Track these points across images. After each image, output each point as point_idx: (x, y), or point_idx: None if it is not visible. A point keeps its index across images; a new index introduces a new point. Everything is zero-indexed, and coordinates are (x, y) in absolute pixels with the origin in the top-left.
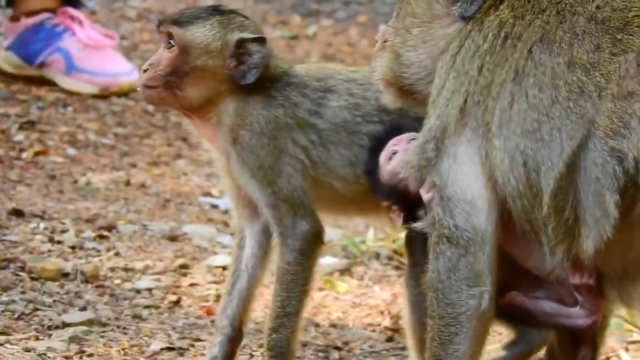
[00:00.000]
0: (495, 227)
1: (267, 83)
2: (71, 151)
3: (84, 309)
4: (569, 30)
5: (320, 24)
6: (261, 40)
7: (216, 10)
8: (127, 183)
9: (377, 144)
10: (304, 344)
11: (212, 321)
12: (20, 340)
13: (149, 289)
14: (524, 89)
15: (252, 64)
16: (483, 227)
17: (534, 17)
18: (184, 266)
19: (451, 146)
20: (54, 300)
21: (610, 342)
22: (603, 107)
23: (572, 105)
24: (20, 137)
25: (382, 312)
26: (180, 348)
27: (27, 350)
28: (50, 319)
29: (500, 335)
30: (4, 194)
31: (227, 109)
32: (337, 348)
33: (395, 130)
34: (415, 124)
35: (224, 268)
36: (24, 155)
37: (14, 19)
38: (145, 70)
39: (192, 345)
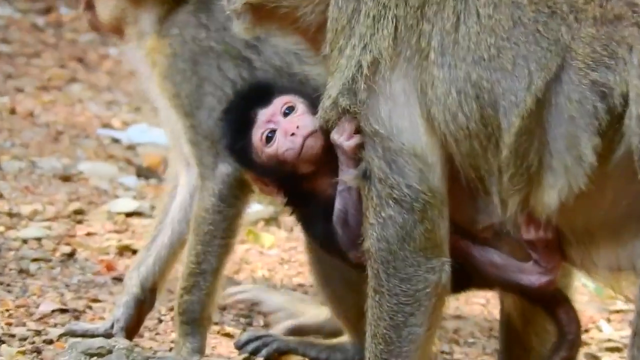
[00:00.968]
0: (446, 183)
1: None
2: None
3: None
4: None
5: None
6: None
7: None
8: (12, 111)
9: (238, 115)
10: (223, 307)
11: (114, 278)
12: None
13: (38, 239)
14: (473, 7)
15: None
16: (439, 185)
17: None
18: (79, 212)
19: (386, 83)
20: None
21: (589, 310)
22: (582, 33)
23: (542, 28)
24: None
25: None
26: (75, 310)
27: None
28: None
29: None
30: None
31: (144, 25)
32: (262, 313)
33: (257, 93)
34: (287, 79)
35: (128, 215)
36: None
37: None
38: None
39: (89, 307)
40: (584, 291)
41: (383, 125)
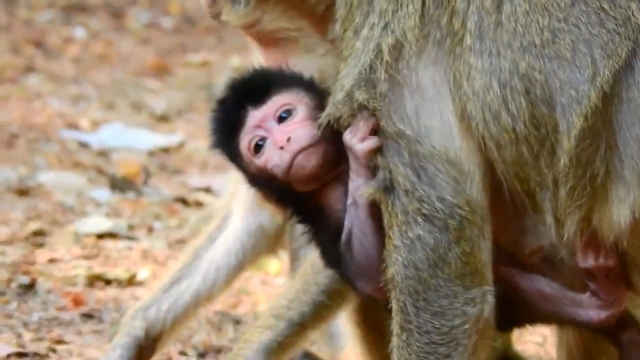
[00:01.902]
0: (487, 196)
1: None
2: None
3: None
4: None
5: None
6: None
7: None
8: None
9: (225, 113)
10: (218, 349)
11: (83, 315)
12: None
13: None
14: None
15: None
16: (478, 198)
17: None
18: (39, 233)
19: (411, 72)
20: None
21: None
22: None
23: (607, 6)
24: None
25: None
26: (36, 354)
27: None
28: None
29: None
30: None
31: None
32: None
33: (249, 92)
34: (289, 75)
35: (99, 236)
36: None
37: None
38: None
39: (53, 350)
40: None
41: (409, 124)
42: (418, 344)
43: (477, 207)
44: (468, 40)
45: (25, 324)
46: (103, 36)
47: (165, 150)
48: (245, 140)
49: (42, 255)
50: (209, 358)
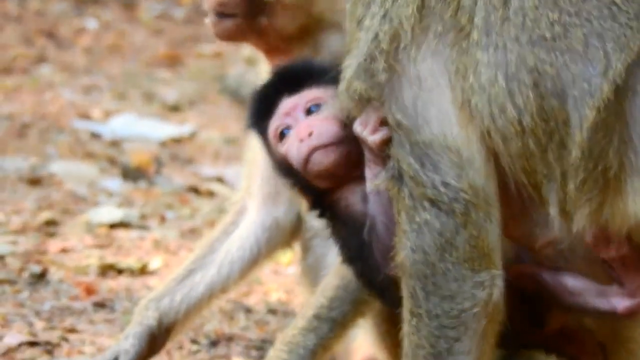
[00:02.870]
0: (493, 181)
1: None
2: None
3: None
4: None
5: None
6: None
7: None
8: None
9: (263, 97)
10: (229, 338)
11: (95, 304)
12: None
13: (1, 256)
14: None
15: None
16: (482, 182)
17: None
18: (51, 222)
19: (410, 62)
20: None
21: None
22: None
23: (620, 0)
24: None
25: None
26: (47, 342)
27: None
28: None
29: None
30: None
31: (328, 42)
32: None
33: (287, 79)
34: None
35: (111, 226)
36: None
37: None
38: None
39: (65, 339)
40: None
41: (406, 114)
42: (428, 329)
43: (480, 191)
44: (475, 35)
45: (37, 313)
46: (115, 27)
47: (177, 140)
48: (273, 126)
49: (54, 245)
50: (221, 346)
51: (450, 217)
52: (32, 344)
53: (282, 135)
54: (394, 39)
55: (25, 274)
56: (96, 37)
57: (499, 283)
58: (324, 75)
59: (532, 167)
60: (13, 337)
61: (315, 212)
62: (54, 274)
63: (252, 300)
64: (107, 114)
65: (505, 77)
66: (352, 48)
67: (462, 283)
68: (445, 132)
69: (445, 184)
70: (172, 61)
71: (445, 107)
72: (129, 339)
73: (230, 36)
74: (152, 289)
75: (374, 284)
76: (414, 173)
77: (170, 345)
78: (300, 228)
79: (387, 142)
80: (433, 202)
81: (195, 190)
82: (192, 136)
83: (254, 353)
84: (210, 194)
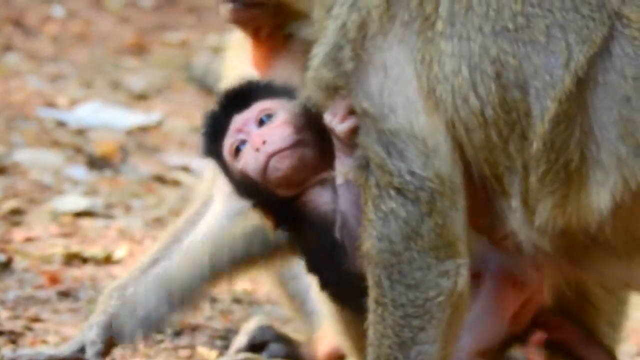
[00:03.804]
0: (459, 170)
1: None
2: None
3: None
4: None
5: None
6: None
7: None
8: None
9: (214, 119)
10: (194, 327)
11: (60, 293)
12: None
13: None
14: None
15: None
16: (448, 171)
17: None
18: (16, 211)
19: (376, 51)
20: None
21: None
22: None
23: None
24: None
25: None
26: (12, 332)
27: None
28: None
29: None
30: None
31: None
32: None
33: (240, 97)
34: (277, 86)
35: (76, 215)
36: None
37: None
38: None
39: (29, 328)
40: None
41: (373, 102)
42: (393, 318)
43: (446, 180)
44: (440, 25)
45: (2, 302)
46: (82, 15)
47: (144, 128)
48: (228, 144)
49: (19, 234)
50: (185, 336)
51: (416, 206)
52: None
53: (237, 151)
54: (362, 27)
55: None
56: (63, 25)
57: (464, 272)
58: (270, 89)
59: (495, 158)
60: None
61: (280, 229)
62: (19, 262)
63: (216, 290)
64: (73, 102)
65: (469, 68)
66: (321, 36)
67: (427, 272)
68: (411, 120)
69: (412, 173)
70: (139, 49)
71: (411, 96)
72: (93, 329)
73: (248, 23)
74: (116, 278)
75: (340, 292)
76: (381, 161)
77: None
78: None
79: (355, 131)
80: (399, 191)
81: (160, 179)
82: (158, 125)
83: (218, 343)
84: (176, 183)
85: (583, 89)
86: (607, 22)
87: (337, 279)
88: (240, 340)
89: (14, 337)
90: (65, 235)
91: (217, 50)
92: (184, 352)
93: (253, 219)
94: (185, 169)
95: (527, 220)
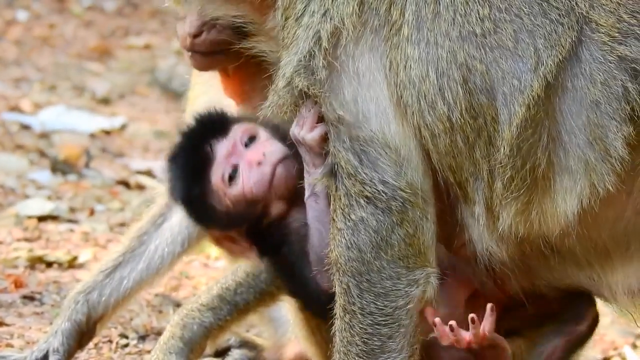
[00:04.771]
0: (429, 179)
1: None
2: None
3: None
4: None
5: None
6: None
7: None
8: None
9: (190, 155)
10: (158, 332)
11: (24, 297)
12: None
13: None
14: None
15: None
16: (420, 181)
17: None
18: None
19: (349, 59)
20: None
21: (611, 334)
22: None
23: None
24: None
25: None
26: None
27: None
28: None
29: None
30: None
31: None
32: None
33: (210, 124)
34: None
35: (40, 219)
36: None
37: None
38: (195, 35)
39: None
40: (605, 311)
41: (348, 109)
42: (361, 325)
43: (418, 189)
44: (406, 30)
45: None
46: (45, 19)
47: (107, 133)
48: (218, 173)
49: None
50: (150, 340)
51: (387, 215)
52: None
53: (231, 178)
54: (334, 36)
55: None
56: (26, 29)
57: (433, 281)
58: (237, 116)
59: (459, 164)
60: None
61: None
62: None
63: (181, 294)
64: (37, 106)
65: (436, 73)
66: (290, 45)
67: (397, 281)
68: (384, 129)
69: (384, 182)
70: (103, 53)
71: (383, 103)
72: (57, 336)
73: (212, 68)
74: (81, 282)
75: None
76: (352, 170)
77: (99, 339)
78: None
79: (325, 139)
80: (370, 200)
81: (124, 183)
82: (122, 129)
83: (182, 345)
84: (140, 187)
85: (552, 94)
86: (576, 27)
87: (318, 300)
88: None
89: None
90: (29, 239)
91: (181, 55)
92: (149, 357)
93: None
94: (149, 173)
95: (489, 227)
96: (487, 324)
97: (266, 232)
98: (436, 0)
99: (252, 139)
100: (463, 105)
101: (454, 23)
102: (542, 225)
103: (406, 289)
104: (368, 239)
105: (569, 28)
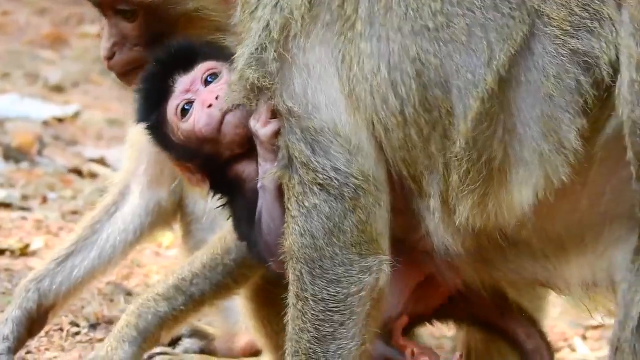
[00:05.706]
0: (383, 168)
1: None
2: None
3: None
4: None
5: None
6: None
7: None
8: None
9: (153, 83)
10: (109, 320)
11: None
12: None
13: None
14: None
15: None
16: (372, 168)
17: None
18: None
19: (299, 51)
20: None
21: (561, 326)
22: None
23: None
24: None
25: None
26: None
27: None
28: None
29: None
30: None
31: None
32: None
33: (178, 57)
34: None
35: None
36: None
37: None
38: (109, 58)
39: None
40: (555, 302)
41: (298, 101)
42: (313, 312)
43: (370, 177)
44: (359, 26)
45: None
46: None
47: (60, 120)
48: (173, 106)
49: None
50: (101, 329)
51: (339, 202)
52: None
53: (184, 112)
54: (285, 28)
55: None
56: None
57: (386, 269)
58: (209, 50)
59: (414, 158)
60: None
61: (215, 193)
62: None
63: (132, 283)
64: None
65: (388, 68)
66: (245, 38)
67: (350, 267)
68: (334, 119)
69: (336, 169)
70: (56, 41)
71: (334, 95)
72: (8, 325)
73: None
74: (33, 270)
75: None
76: (305, 159)
77: (50, 327)
78: (180, 209)
79: (277, 135)
80: (323, 187)
81: (77, 171)
82: (75, 117)
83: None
84: (93, 176)
85: (506, 88)
86: (528, 21)
87: (262, 246)
88: None
89: None
90: None
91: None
92: (100, 345)
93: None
94: (102, 161)
95: (445, 220)
96: None
97: (220, 172)
98: None
99: (213, 77)
100: (417, 99)
101: (406, 18)
102: (498, 218)
103: (359, 276)
104: (321, 225)
105: (520, 22)
